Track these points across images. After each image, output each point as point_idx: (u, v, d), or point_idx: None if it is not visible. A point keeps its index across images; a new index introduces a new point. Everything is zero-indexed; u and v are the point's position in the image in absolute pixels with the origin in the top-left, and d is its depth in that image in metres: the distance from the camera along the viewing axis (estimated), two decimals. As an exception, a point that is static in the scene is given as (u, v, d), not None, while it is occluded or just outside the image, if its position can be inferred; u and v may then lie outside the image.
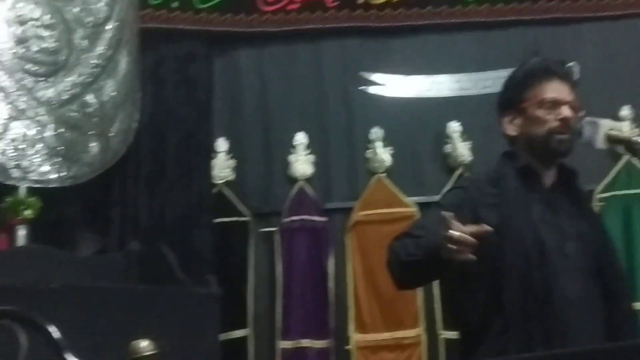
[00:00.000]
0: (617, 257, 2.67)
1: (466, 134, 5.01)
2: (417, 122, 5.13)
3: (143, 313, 3.96)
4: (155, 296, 4.07)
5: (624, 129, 2.72)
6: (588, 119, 2.54)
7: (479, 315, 2.52)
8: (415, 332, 4.80)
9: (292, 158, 5.06)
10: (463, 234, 2.23)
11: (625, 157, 4.85)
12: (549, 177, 2.67)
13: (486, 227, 2.29)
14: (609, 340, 2.47)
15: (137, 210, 4.84)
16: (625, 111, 4.99)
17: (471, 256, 2.23)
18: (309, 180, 5.04)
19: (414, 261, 2.44)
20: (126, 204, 4.83)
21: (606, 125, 2.50)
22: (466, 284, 2.53)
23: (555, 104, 2.61)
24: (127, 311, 3.82)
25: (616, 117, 4.88)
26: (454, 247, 2.22)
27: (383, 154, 5.03)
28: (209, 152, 5.02)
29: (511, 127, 2.69)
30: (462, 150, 4.98)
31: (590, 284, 2.53)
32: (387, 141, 5.06)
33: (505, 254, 2.47)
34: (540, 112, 2.61)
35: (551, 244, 2.51)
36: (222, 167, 5.06)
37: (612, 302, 2.53)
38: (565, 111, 2.60)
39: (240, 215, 5.01)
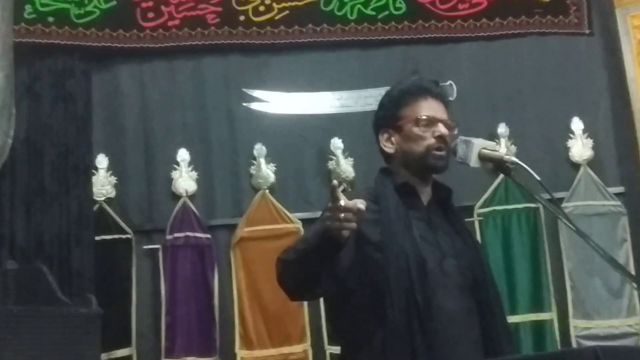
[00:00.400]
0: (491, 274, 2.74)
1: (349, 151, 5.07)
2: (300, 138, 5.16)
3: (20, 335, 3.87)
4: (33, 317, 3.98)
5: (497, 147, 2.77)
6: (462, 138, 2.60)
7: (360, 330, 2.55)
8: (302, 348, 4.82)
9: (174, 174, 5.02)
10: (349, 202, 2.28)
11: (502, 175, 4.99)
12: (426, 195, 2.73)
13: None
14: (486, 355, 2.53)
15: (14, 228, 4.71)
16: (502, 129, 5.15)
17: (354, 225, 2.29)
18: (192, 196, 5.01)
19: (302, 254, 2.42)
20: (2, 221, 4.69)
21: (479, 144, 2.56)
22: (348, 300, 2.57)
23: (431, 121, 2.67)
24: (3, 333, 3.72)
25: (493, 135, 5.04)
26: (342, 215, 2.26)
27: (266, 170, 5.04)
28: (89, 169, 4.92)
29: (388, 145, 2.73)
30: (345, 166, 5.04)
31: (467, 300, 2.59)
32: (270, 157, 5.08)
33: (388, 271, 2.51)
34: (416, 130, 2.67)
35: (431, 261, 2.56)
36: (103, 183, 4.98)
37: (487, 317, 2.60)
38: (442, 128, 2.66)
39: (123, 232, 4.93)
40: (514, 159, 2.49)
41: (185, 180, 5.01)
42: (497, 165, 2.54)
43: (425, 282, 2.51)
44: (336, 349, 4.67)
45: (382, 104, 2.79)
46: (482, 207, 5.03)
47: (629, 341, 4.83)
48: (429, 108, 2.69)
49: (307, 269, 2.43)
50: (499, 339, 2.60)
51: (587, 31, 5.41)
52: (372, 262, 2.53)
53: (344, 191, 4.79)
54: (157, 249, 4.92)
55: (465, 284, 2.60)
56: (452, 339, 2.45)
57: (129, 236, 4.92)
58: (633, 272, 4.72)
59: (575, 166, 5.15)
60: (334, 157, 5.07)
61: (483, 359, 2.49)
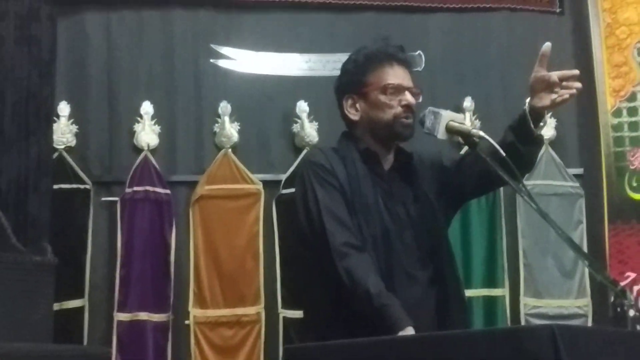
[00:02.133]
0: (448, 242, 2.76)
1: (314, 114, 5.05)
2: (266, 99, 5.13)
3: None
4: (-15, 263, 3.94)
5: (465, 120, 2.78)
6: (430, 109, 2.59)
7: (329, 299, 2.55)
8: (255, 310, 4.82)
9: (137, 127, 4.97)
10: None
11: (467, 148, 5.00)
12: (388, 162, 2.73)
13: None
14: (440, 325, 2.55)
15: (-31, 172, 4.63)
16: (468, 102, 5.16)
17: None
18: (153, 151, 4.96)
19: (371, 314, 2.38)
20: (-43, 165, 4.62)
21: (447, 116, 2.56)
22: (319, 267, 2.57)
23: (398, 89, 2.66)
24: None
25: (459, 108, 5.05)
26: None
27: (230, 129, 5.01)
28: (50, 116, 4.83)
29: (353, 111, 2.72)
30: (310, 130, 5.02)
31: (426, 270, 2.61)
32: (235, 116, 5.04)
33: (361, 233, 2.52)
34: (383, 98, 2.66)
35: (393, 231, 2.57)
36: (64, 132, 4.91)
37: (443, 287, 2.62)
38: (409, 97, 2.66)
39: (81, 182, 4.88)
40: (482, 133, 2.49)
41: (147, 133, 4.96)
42: (464, 138, 2.54)
43: (389, 253, 2.52)
44: (290, 313, 4.72)
45: (346, 69, 2.77)
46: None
47: (578, 322, 4.92)
48: (395, 75, 2.68)
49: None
50: (453, 309, 2.62)
51: (558, 10, 5.43)
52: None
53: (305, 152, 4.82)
54: (115, 202, 4.87)
55: (424, 254, 2.61)
56: (412, 309, 2.45)
57: (87, 187, 4.87)
58: (586, 254, 4.78)
59: (538, 145, 5.18)
60: (298, 120, 5.05)
61: (437, 329, 2.52)
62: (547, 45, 2.52)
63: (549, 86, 2.51)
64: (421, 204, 2.68)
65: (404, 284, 2.52)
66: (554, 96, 2.51)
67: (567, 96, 2.51)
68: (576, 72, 2.55)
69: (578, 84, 2.52)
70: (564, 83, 2.51)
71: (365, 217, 2.54)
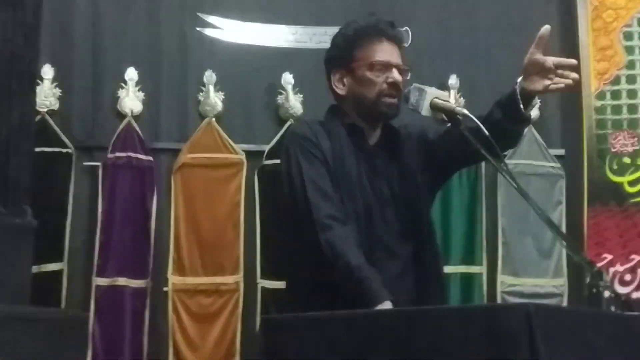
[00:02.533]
0: (430, 219, 2.77)
1: (299, 87, 5.04)
2: (252, 69, 5.11)
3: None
4: (-36, 223, 3.93)
5: (449, 98, 2.78)
6: (415, 85, 2.60)
7: (310, 270, 2.57)
8: (234, 279, 4.83)
9: (121, 93, 4.95)
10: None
11: (449, 125, 5.00)
12: (374, 137, 2.73)
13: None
14: (419, 300, 2.58)
15: (-51, 132, 4.59)
16: (453, 80, 5.16)
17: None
18: (137, 117, 4.94)
19: (350, 285, 2.41)
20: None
21: (432, 93, 2.56)
22: (301, 239, 2.58)
23: (386, 66, 2.65)
24: None
25: (443, 85, 5.06)
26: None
27: (215, 98, 5.00)
28: (34, 78, 4.78)
29: (340, 86, 2.72)
30: (294, 102, 5.02)
31: (406, 247, 2.63)
32: (219, 86, 5.03)
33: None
34: (370, 74, 2.65)
35: (375, 207, 2.59)
36: (47, 95, 4.88)
37: (422, 265, 2.64)
38: (395, 75, 2.65)
39: (64, 146, 4.86)
40: (465, 111, 2.50)
41: (131, 99, 4.94)
42: (447, 116, 2.55)
43: (370, 228, 2.53)
44: (268, 283, 4.75)
45: (335, 43, 2.76)
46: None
47: (553, 301, 4.95)
48: (383, 52, 2.67)
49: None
50: (431, 285, 2.65)
51: (546, -8, 5.43)
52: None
53: (289, 127, 4.84)
54: (97, 166, 4.86)
55: (405, 231, 2.63)
56: (391, 285, 2.47)
57: (69, 151, 4.86)
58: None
59: (521, 125, 5.19)
60: (283, 92, 5.05)
61: (416, 304, 2.54)
62: (546, 27, 2.48)
63: (543, 70, 2.46)
64: (405, 181, 2.68)
65: (383, 259, 2.54)
66: (547, 82, 2.47)
67: (562, 85, 2.47)
68: (574, 61, 2.50)
69: (575, 75, 2.48)
70: (559, 71, 2.47)
71: (348, 191, 2.55)
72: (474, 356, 1.67)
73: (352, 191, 2.56)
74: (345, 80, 2.70)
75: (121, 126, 4.89)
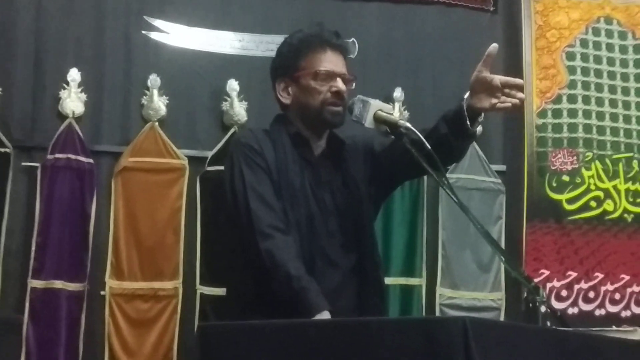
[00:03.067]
0: (373, 230, 2.78)
1: (244, 94, 5.02)
2: (197, 75, 5.07)
3: None
4: None
5: (393, 111, 2.81)
6: (360, 97, 2.62)
7: (251, 279, 2.56)
8: (173, 285, 4.79)
9: (63, 94, 4.86)
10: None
11: (393, 137, 5.02)
12: (319, 147, 2.74)
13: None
14: (360, 311, 2.59)
15: None
16: (398, 93, 5.19)
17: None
18: (78, 119, 4.86)
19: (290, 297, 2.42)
20: None
21: (376, 105, 2.59)
22: (243, 247, 2.57)
23: (330, 76, 2.68)
24: None
25: (388, 98, 5.08)
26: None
27: (158, 103, 4.95)
28: (-28, 77, 4.72)
29: (285, 95, 2.73)
30: (239, 109, 4.99)
31: (349, 258, 2.63)
32: (164, 90, 4.97)
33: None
34: (314, 84, 2.67)
35: (318, 218, 2.59)
36: (-15, 94, 4.80)
37: (363, 276, 2.65)
38: (340, 84, 2.67)
39: (2, 145, 4.75)
40: (408, 124, 2.53)
41: (73, 101, 4.86)
42: (390, 128, 2.57)
43: (312, 238, 2.54)
44: (208, 290, 4.71)
45: (280, 52, 2.77)
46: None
47: (491, 315, 5.01)
48: (327, 61, 2.69)
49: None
50: (372, 297, 2.66)
51: (492, 8, 5.49)
52: None
53: (234, 134, 4.83)
54: (36, 167, 4.77)
55: (348, 242, 2.63)
56: (331, 296, 2.48)
57: (7, 150, 4.76)
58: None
59: (463, 139, 5.24)
60: (228, 99, 5.02)
61: (357, 315, 2.55)
62: (494, 46, 2.51)
63: (490, 89, 2.49)
64: (349, 191, 2.70)
65: (325, 270, 2.55)
66: (494, 100, 2.49)
67: (509, 104, 2.49)
68: (520, 81, 2.54)
69: (521, 95, 2.50)
70: (506, 90, 2.49)
71: (291, 201, 2.55)
72: (410, 369, 1.67)
73: (295, 201, 2.56)
74: (290, 89, 2.72)
75: (62, 127, 4.80)
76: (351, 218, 2.67)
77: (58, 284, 4.64)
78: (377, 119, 2.57)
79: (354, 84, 2.74)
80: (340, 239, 2.63)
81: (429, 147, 2.37)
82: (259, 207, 2.52)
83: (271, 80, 2.79)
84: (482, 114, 2.59)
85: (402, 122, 2.55)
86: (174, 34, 5.07)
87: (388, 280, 4.83)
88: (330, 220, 2.63)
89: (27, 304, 4.62)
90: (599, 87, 5.24)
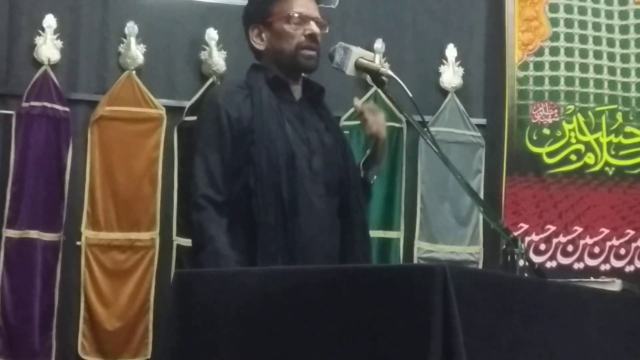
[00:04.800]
0: (356, 174, 2.78)
1: (223, 43, 4.96)
2: (175, 23, 4.99)
3: None
4: None
5: (375, 59, 2.78)
6: (341, 44, 2.59)
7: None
8: (150, 235, 4.76)
9: (38, 40, 4.78)
10: None
11: (374, 89, 5.01)
12: (297, 92, 2.73)
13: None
14: (344, 255, 2.58)
15: None
16: (379, 44, 5.13)
17: None
18: (54, 66, 4.78)
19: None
20: None
21: (357, 52, 2.57)
22: None
23: (303, 19, 2.67)
24: None
25: (369, 49, 5.01)
26: None
27: (136, 51, 4.87)
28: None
29: (258, 41, 2.71)
30: (217, 58, 4.93)
31: (333, 200, 2.62)
32: (141, 38, 4.90)
33: (257, 165, 2.50)
34: (287, 27, 2.66)
35: (300, 157, 2.57)
36: (-40, 40, 4.70)
37: (348, 219, 2.64)
38: (314, 27, 2.67)
39: (-24, 93, 4.70)
40: (390, 72, 2.52)
41: (49, 48, 4.77)
42: (372, 76, 2.56)
43: (293, 178, 2.52)
44: (184, 241, 4.68)
45: None
46: (348, 119, 5.05)
47: (469, 268, 5.03)
48: (300, 5, 2.69)
49: None
50: (356, 243, 2.66)
51: (474, -41, 5.43)
52: (245, 155, 2.52)
53: (212, 84, 4.78)
54: (10, 115, 4.70)
55: (332, 182, 2.63)
56: (315, 238, 2.49)
57: (-19, 98, 4.70)
58: (482, 203, 4.86)
59: (444, 92, 5.22)
60: (207, 48, 4.95)
61: (341, 259, 2.55)
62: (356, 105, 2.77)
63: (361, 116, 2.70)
64: (332, 134, 2.70)
65: (308, 212, 2.53)
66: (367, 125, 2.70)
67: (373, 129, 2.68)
68: (372, 107, 2.90)
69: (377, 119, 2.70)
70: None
71: (267, 145, 2.52)
72: (389, 315, 1.66)
73: (271, 144, 2.53)
74: (263, 35, 2.72)
75: (37, 75, 4.72)
76: (336, 158, 2.66)
77: (33, 233, 4.60)
78: (359, 67, 2.55)
79: (327, 29, 2.72)
80: (323, 179, 2.62)
81: (410, 94, 2.35)
82: (201, 177, 2.53)
83: (244, 27, 2.77)
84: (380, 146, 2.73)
85: (383, 69, 2.54)
86: (152, -19, 4.99)
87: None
88: (314, 159, 2.62)
89: (1, 254, 4.60)
90: (583, 39, 5.20)
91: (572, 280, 2.88)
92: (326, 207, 2.59)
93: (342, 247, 2.61)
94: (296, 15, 2.65)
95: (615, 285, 2.68)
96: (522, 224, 5.07)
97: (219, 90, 2.77)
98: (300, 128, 2.64)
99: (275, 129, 2.56)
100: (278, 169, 2.51)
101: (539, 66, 5.18)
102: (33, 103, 4.67)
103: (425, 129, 2.46)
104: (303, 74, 2.75)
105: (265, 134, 2.53)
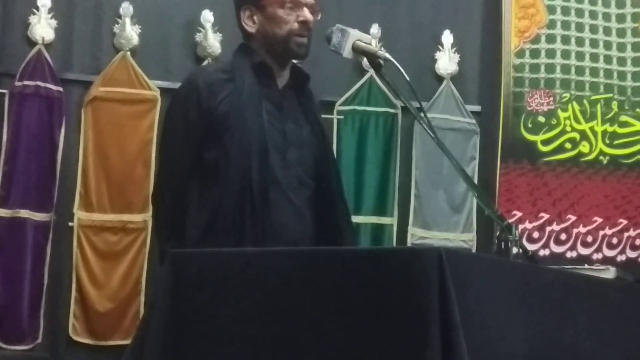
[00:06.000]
0: (335, 166, 2.77)
1: (218, 26, 4.93)
2: (171, 4, 4.98)
3: None
4: None
5: (372, 41, 2.77)
6: (339, 26, 2.57)
7: (195, 208, 2.54)
8: (142, 217, 4.75)
9: (32, 19, 4.74)
10: None
11: (369, 74, 4.99)
12: (283, 78, 2.71)
13: None
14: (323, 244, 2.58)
15: None
16: (374, 29, 5.11)
17: None
18: (48, 45, 4.76)
19: None
20: None
21: (355, 35, 2.55)
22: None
23: (296, 4, 2.63)
24: None
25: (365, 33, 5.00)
26: None
27: (131, 32, 4.84)
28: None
29: (250, 23, 2.68)
30: (213, 41, 4.91)
31: (306, 191, 2.61)
32: (136, 19, 4.87)
33: (229, 149, 2.49)
34: (281, 12, 2.63)
35: (274, 149, 2.56)
36: (-46, 19, 4.67)
37: (326, 208, 2.63)
38: (307, 13, 2.63)
39: (-31, 71, 4.67)
40: (387, 55, 2.50)
41: (43, 27, 4.74)
42: (369, 59, 2.54)
43: (264, 170, 2.50)
44: (177, 222, 4.66)
45: None
46: (342, 104, 5.04)
47: (462, 254, 5.02)
48: None
49: None
50: (339, 229, 2.64)
51: (472, -55, 5.41)
52: (215, 140, 2.51)
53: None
54: (3, 94, 4.68)
55: (306, 174, 2.61)
56: (283, 228, 2.49)
57: (-26, 77, 4.67)
58: (477, 189, 4.86)
59: (439, 79, 5.21)
60: (202, 30, 4.93)
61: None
62: None
63: None
64: (311, 125, 2.68)
65: (278, 202, 2.52)
66: None
67: None
68: None
69: None
70: None
71: (240, 134, 2.50)
72: (385, 298, 1.65)
73: (246, 133, 2.51)
74: (255, 17, 2.68)
75: (31, 54, 4.70)
76: (312, 149, 2.65)
77: (24, 213, 4.59)
78: (356, 49, 2.53)
79: (319, 15, 2.69)
80: (297, 170, 2.60)
81: (407, 77, 2.33)
82: (162, 190, 2.71)
83: (235, 7, 2.73)
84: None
85: (381, 52, 2.52)
86: (148, -39, 4.95)
87: (359, 219, 4.84)
88: (290, 150, 2.60)
89: (-7, 233, 4.57)
90: (579, 27, 5.18)
91: (566, 267, 2.89)
92: (297, 199, 2.58)
93: (321, 236, 2.60)
94: (290, 0, 2.62)
95: (609, 273, 2.68)
96: (515, 212, 5.06)
97: (199, 75, 2.73)
98: (278, 118, 2.62)
99: (251, 118, 2.54)
100: (250, 158, 2.49)
101: (535, 54, 5.16)
102: (26, 82, 4.65)
103: (422, 114, 2.45)
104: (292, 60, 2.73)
105: (241, 123, 2.52)
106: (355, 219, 4.66)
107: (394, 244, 4.99)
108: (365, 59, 2.59)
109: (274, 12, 2.62)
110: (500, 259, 2.12)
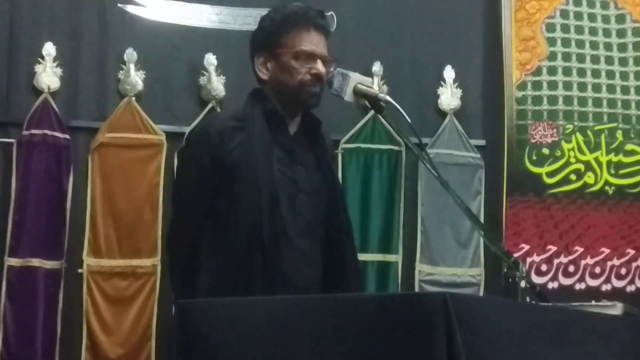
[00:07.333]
0: (346, 212, 2.78)
1: (222, 68, 4.97)
2: (174, 49, 5.01)
3: None
4: None
5: (373, 84, 2.80)
6: (339, 70, 2.60)
7: (205, 256, 2.56)
8: (151, 262, 4.75)
9: (38, 68, 4.80)
10: None
11: (372, 112, 5.00)
12: (294, 125, 2.72)
13: None
14: (330, 290, 2.59)
15: None
16: (376, 67, 5.15)
17: None
18: (54, 94, 4.80)
19: None
20: None
21: (356, 78, 2.58)
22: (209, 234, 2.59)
23: (311, 57, 2.65)
24: None
25: (367, 72, 5.03)
26: None
27: (135, 77, 4.89)
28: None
29: (263, 70, 2.70)
30: (217, 84, 4.95)
31: (316, 239, 2.62)
32: (140, 64, 4.92)
33: (239, 199, 2.50)
34: (294, 63, 2.65)
35: (284, 197, 2.57)
36: (-41, 69, 4.72)
37: (335, 254, 2.64)
38: (319, 66, 2.65)
39: (-24, 122, 4.71)
40: (388, 98, 2.52)
41: (48, 75, 4.79)
42: (370, 102, 2.56)
43: (274, 219, 2.51)
44: (186, 266, 4.67)
45: (262, 26, 2.73)
46: (347, 142, 5.06)
47: (470, 291, 5.00)
48: (310, 41, 2.66)
49: None
50: (346, 276, 2.65)
51: (471, -20, 5.45)
52: (226, 188, 2.53)
53: (212, 109, 4.80)
54: (11, 144, 4.71)
55: (316, 221, 2.62)
56: (292, 274, 2.50)
57: (-18, 127, 4.71)
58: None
59: (442, 114, 5.22)
60: (206, 73, 4.97)
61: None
62: None
63: None
64: (322, 172, 2.69)
65: (287, 251, 2.53)
66: None
67: None
68: None
69: None
70: None
71: (250, 183, 2.52)
72: (391, 344, 1.66)
73: (256, 184, 2.53)
74: (268, 64, 2.70)
75: (37, 103, 4.74)
76: (323, 197, 2.66)
77: (35, 262, 4.60)
78: (357, 93, 2.56)
79: (333, 66, 2.71)
80: (308, 216, 2.61)
81: (409, 120, 2.36)
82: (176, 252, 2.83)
83: (250, 52, 2.75)
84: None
85: (382, 95, 2.54)
86: (151, 7, 5.01)
87: (365, 257, 4.85)
88: (300, 196, 2.61)
89: (4, 283, 4.59)
90: (580, 58, 5.20)
91: (573, 304, 2.88)
92: (306, 245, 2.59)
93: (329, 281, 2.62)
94: (305, 52, 2.64)
95: (617, 309, 2.67)
96: (523, 245, 5.05)
97: (211, 122, 2.77)
98: (289, 166, 2.63)
99: (262, 167, 2.55)
100: (260, 207, 2.51)
101: (537, 86, 5.18)
102: (33, 131, 4.68)
103: (424, 153, 2.47)
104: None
105: (251, 173, 2.53)
106: (361, 256, 4.63)
107: (399, 282, 4.98)
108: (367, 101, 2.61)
109: (287, 62, 2.64)
110: (506, 300, 2.12)
